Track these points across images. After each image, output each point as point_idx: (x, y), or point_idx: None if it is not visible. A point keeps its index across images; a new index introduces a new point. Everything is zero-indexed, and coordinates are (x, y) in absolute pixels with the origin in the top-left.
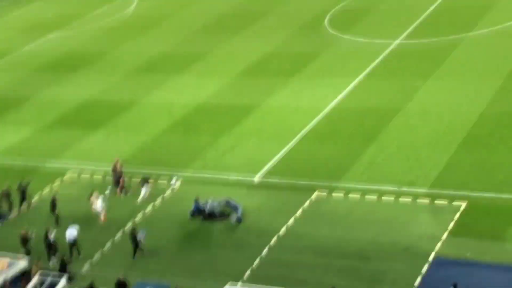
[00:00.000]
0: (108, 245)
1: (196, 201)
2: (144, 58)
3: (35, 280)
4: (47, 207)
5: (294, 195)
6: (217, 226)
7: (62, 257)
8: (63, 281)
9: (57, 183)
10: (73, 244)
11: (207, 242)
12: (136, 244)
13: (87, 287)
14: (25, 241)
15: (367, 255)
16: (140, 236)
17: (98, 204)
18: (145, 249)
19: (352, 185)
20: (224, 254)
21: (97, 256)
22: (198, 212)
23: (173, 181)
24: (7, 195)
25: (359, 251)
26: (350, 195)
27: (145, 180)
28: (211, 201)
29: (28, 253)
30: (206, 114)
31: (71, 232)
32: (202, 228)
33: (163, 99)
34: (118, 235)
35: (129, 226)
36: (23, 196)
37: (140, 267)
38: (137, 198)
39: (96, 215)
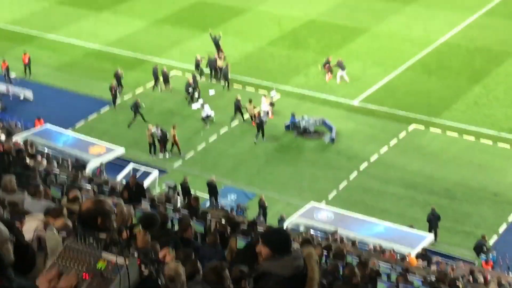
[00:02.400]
0: (202, 145)
1: (293, 115)
2: None
3: (127, 168)
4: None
5: (390, 124)
6: (309, 144)
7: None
8: (155, 173)
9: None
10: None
11: (297, 157)
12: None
13: (181, 183)
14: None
15: (454, 195)
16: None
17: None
18: None
19: (450, 123)
20: (312, 172)
21: (191, 154)
22: (293, 126)
23: (272, 93)
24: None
25: (447, 190)
26: (447, 133)
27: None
28: (308, 117)
29: None
30: (314, 31)
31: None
32: (294, 143)
33: (274, 10)
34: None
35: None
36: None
37: (229, 172)
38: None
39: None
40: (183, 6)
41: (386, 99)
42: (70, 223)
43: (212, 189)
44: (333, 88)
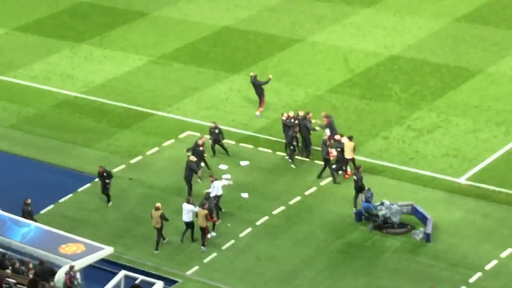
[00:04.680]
0: (230, 242)
1: (367, 199)
2: None
3: (117, 277)
4: None
5: None
6: (392, 242)
7: None
8: (159, 285)
9: None
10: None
11: (373, 263)
12: None
13: None
14: None
15: None
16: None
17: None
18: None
19: None
20: (396, 286)
21: (213, 254)
22: (368, 216)
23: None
24: None
25: None
26: None
27: None
28: (389, 203)
29: None
30: (399, 72)
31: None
32: (368, 240)
33: (337, 41)
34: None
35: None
36: None
37: (271, 284)
38: None
39: None
40: (203, 35)
41: (509, 175)
42: None
43: None
44: (428, 158)
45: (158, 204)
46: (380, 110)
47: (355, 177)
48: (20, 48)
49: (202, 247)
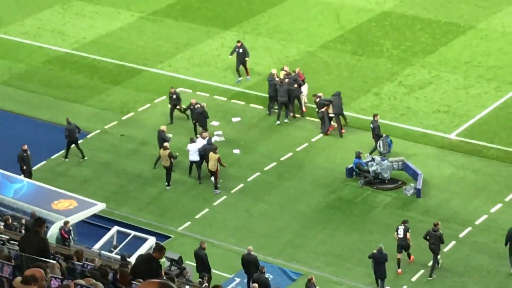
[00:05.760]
0: (221, 198)
1: (358, 155)
2: None
3: (110, 233)
4: None
5: (506, 169)
6: (382, 197)
7: None
8: (151, 240)
9: None
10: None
11: (364, 218)
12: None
13: (195, 252)
14: None
15: None
16: None
17: None
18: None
19: None
20: (386, 241)
21: (203, 211)
22: (358, 171)
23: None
24: None
25: None
26: None
27: None
28: (380, 158)
29: None
30: (390, 28)
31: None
32: (359, 196)
33: None
34: None
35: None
36: None
37: (262, 240)
38: None
39: None
40: None
41: (499, 131)
42: None
43: (249, 267)
44: (419, 115)
45: (166, 144)
46: (371, 66)
47: (372, 125)
48: (11, 4)
49: (216, 190)
